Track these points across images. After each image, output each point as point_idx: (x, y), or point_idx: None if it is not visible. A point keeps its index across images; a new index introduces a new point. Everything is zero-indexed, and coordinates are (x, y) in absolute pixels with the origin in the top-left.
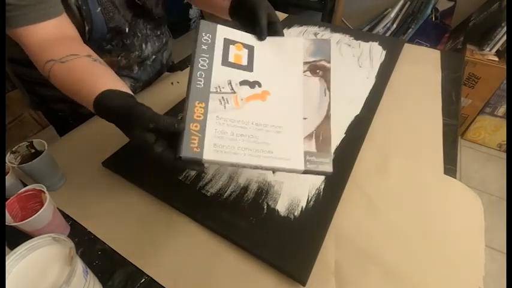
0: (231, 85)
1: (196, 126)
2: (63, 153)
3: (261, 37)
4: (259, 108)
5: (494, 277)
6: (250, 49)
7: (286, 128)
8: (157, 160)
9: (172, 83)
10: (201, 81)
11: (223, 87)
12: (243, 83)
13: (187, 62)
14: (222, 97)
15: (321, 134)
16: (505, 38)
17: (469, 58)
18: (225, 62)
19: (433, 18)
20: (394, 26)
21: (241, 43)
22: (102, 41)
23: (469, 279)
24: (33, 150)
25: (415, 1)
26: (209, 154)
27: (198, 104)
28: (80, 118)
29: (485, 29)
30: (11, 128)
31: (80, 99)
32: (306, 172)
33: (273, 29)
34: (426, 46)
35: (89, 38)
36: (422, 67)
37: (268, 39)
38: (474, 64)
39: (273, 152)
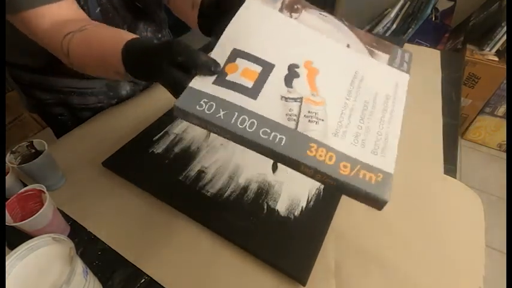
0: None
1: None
2: (63, 153)
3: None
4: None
5: (494, 277)
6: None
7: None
8: None
9: None
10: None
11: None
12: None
13: None
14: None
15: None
16: (505, 38)
17: (469, 58)
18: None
19: (433, 18)
20: (394, 25)
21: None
22: None
23: (469, 279)
24: (33, 150)
25: (415, 1)
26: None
27: None
28: (79, 122)
29: (485, 29)
30: (11, 128)
31: (104, 57)
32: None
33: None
34: (426, 46)
35: None
36: (422, 67)
37: (234, 21)
38: (474, 64)
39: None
